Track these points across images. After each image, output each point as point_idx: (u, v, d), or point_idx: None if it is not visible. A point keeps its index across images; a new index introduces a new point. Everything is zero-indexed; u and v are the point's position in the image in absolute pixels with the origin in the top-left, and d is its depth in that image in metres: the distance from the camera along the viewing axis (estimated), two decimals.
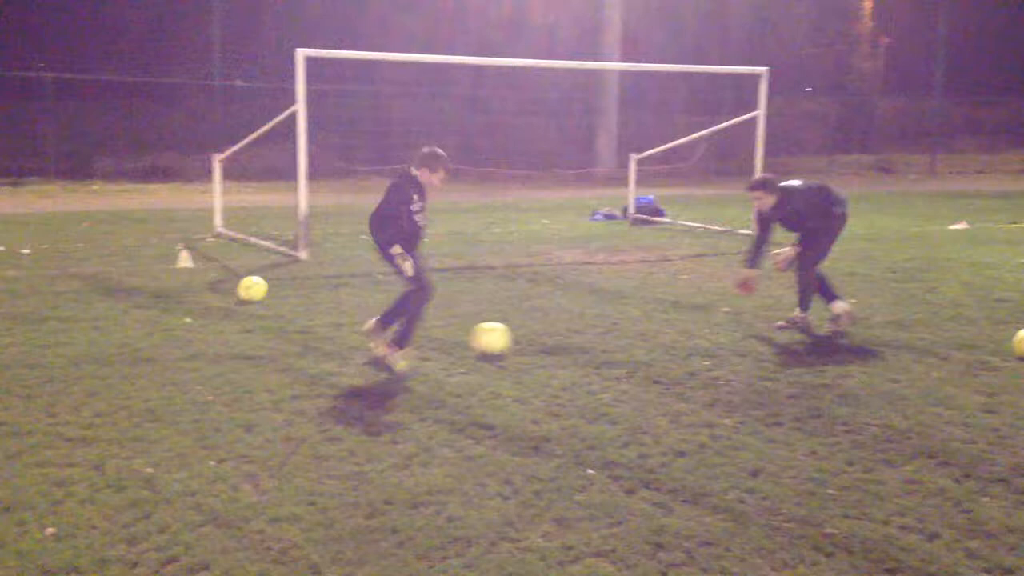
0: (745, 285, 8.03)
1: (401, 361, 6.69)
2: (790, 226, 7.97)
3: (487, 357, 7.01)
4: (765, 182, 7.92)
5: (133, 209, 17.05)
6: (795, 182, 8.04)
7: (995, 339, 7.86)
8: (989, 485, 4.87)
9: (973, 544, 4.23)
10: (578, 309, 8.89)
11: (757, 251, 7.95)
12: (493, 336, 7.14)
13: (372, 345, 6.88)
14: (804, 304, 8.12)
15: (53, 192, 19.72)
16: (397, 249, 6.42)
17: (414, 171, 6.60)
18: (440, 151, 6.69)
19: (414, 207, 6.53)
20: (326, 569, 3.91)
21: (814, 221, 7.88)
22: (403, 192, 6.51)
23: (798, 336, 7.94)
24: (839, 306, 8.06)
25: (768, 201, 7.85)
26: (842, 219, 7.99)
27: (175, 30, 23.94)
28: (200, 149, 20.36)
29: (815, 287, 8.07)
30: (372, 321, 6.92)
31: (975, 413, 5.99)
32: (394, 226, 6.46)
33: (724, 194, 20.46)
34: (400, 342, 6.74)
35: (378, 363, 6.76)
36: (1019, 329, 7.60)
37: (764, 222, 7.98)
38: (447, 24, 26.24)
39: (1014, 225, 16.08)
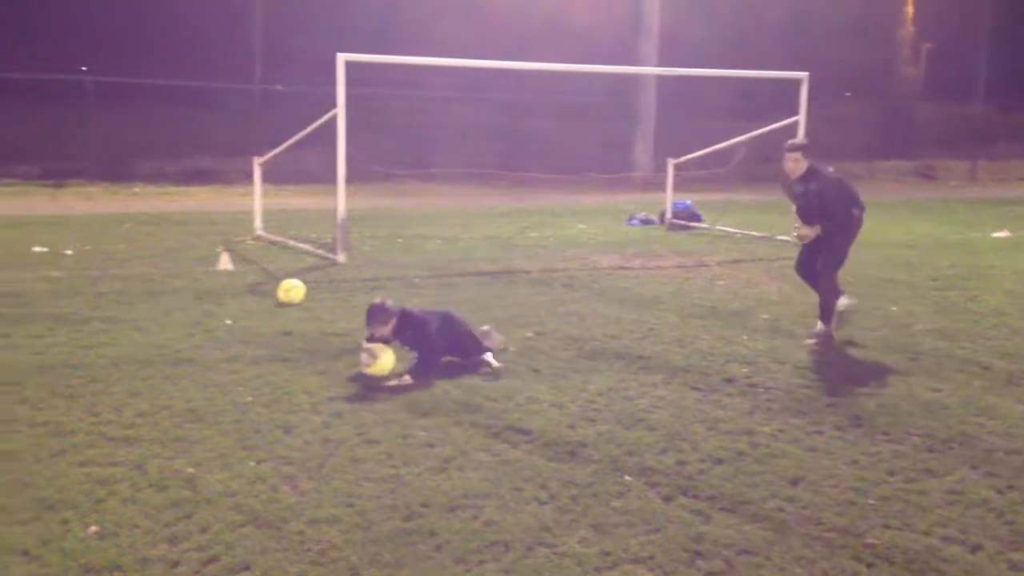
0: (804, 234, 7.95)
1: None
2: (807, 208, 7.82)
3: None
4: (804, 146, 7.91)
5: (174, 211, 17.25)
6: (828, 168, 7.96)
7: None
8: None
9: (1017, 556, 4.17)
10: (614, 314, 8.87)
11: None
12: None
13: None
14: (827, 316, 7.90)
15: (95, 194, 20.00)
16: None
17: None
18: (375, 305, 6.78)
19: None
20: (364, 571, 3.93)
21: (832, 210, 7.74)
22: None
23: (838, 343, 7.85)
24: (843, 302, 8.18)
25: (800, 166, 7.80)
26: (859, 222, 7.90)
27: (217, 34, 24.19)
28: (240, 152, 20.53)
29: (830, 291, 7.92)
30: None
31: (1018, 423, 5.91)
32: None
33: (763, 200, 20.30)
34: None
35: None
36: None
37: (788, 194, 8.00)
38: (484, 27, 26.28)
39: None
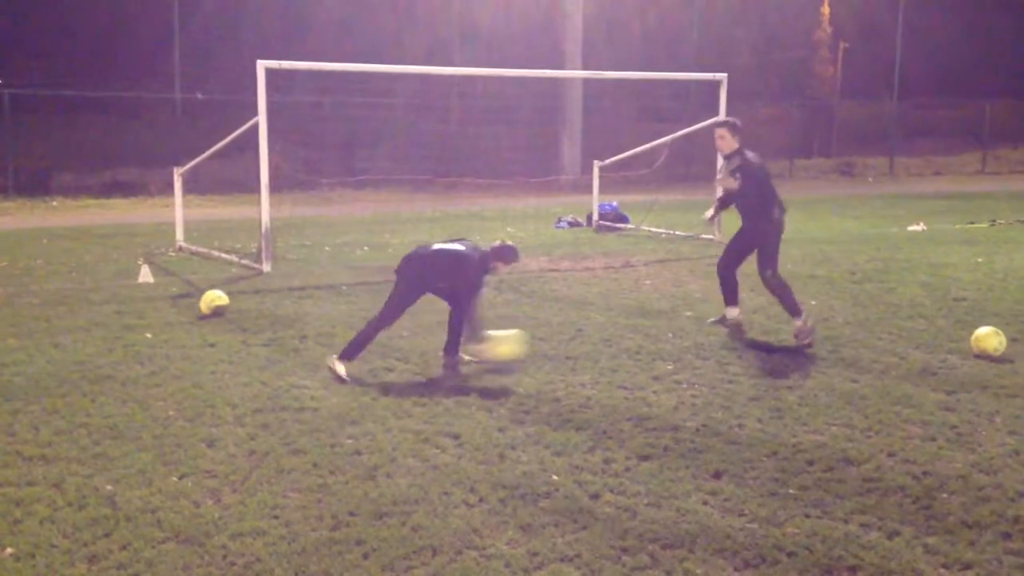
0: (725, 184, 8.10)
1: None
2: (735, 190, 7.97)
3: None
4: (728, 123, 8.15)
5: (94, 225, 16.86)
6: (753, 155, 8.07)
7: (953, 338, 7.98)
8: (947, 481, 4.94)
9: (932, 540, 4.30)
10: (543, 316, 8.92)
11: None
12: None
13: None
14: (794, 310, 7.94)
15: (12, 209, 19.46)
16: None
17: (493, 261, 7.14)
18: (510, 245, 7.27)
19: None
20: None
21: (749, 200, 7.92)
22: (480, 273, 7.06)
23: (760, 339, 8.00)
24: (732, 312, 8.42)
25: (727, 143, 8.02)
26: (779, 224, 8.03)
27: (135, 44, 23.75)
28: (162, 163, 20.20)
29: (781, 288, 8.05)
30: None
31: (934, 411, 6.08)
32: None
33: (687, 200, 20.60)
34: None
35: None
36: (976, 328, 7.73)
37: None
38: (408, 32, 26.23)
39: (971, 226, 16.33)
